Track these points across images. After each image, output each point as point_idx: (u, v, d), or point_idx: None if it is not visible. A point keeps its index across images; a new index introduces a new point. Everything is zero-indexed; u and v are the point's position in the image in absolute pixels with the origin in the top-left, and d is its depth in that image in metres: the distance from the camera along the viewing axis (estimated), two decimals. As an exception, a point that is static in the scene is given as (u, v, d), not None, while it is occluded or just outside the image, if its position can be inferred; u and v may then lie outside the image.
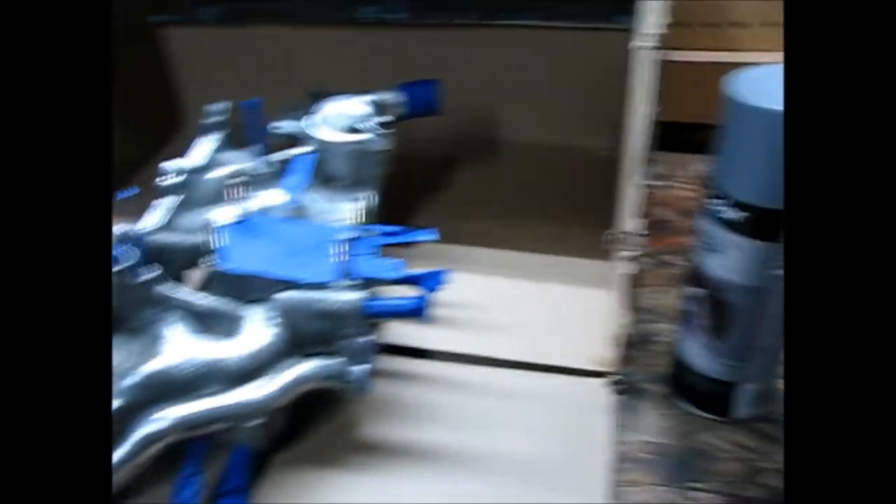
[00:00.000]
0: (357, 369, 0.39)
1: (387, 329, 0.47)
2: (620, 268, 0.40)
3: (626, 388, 0.45)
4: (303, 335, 0.39)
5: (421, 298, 0.38)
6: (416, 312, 0.38)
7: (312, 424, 0.43)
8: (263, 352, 0.38)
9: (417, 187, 0.63)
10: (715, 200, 0.36)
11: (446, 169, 0.66)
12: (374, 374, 0.41)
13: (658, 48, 0.33)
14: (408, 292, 0.39)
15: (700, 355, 0.41)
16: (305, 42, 0.64)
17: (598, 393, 0.44)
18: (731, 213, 0.35)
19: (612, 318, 0.43)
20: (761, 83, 0.33)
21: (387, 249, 0.46)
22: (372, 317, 0.38)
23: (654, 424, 0.43)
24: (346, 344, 0.39)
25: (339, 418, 0.43)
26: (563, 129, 0.65)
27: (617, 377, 0.44)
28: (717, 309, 0.38)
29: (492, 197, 0.62)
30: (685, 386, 0.43)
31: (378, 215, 0.55)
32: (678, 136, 0.68)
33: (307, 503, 0.39)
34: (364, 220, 0.47)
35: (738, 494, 0.39)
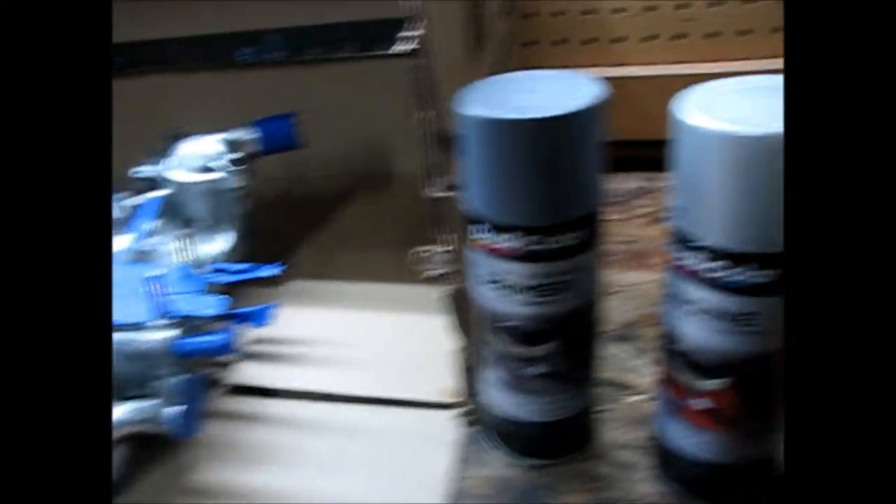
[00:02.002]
0: (172, 411, 0.38)
1: (233, 369, 0.46)
2: (435, 289, 0.39)
3: (473, 420, 0.43)
4: (117, 378, 0.38)
5: (229, 334, 0.37)
6: (224, 349, 0.37)
7: (145, 470, 0.41)
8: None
9: (296, 223, 0.63)
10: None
11: (327, 204, 0.66)
12: (204, 414, 0.40)
13: (420, 60, 0.33)
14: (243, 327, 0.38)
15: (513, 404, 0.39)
16: (183, 86, 0.64)
17: (445, 426, 0.43)
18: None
19: (452, 346, 0.42)
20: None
21: (240, 286, 0.45)
22: (183, 356, 0.37)
23: (500, 457, 0.41)
24: (159, 385, 0.38)
25: (173, 462, 0.42)
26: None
27: (463, 408, 0.43)
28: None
29: (368, 230, 0.61)
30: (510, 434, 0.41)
31: (243, 252, 0.54)
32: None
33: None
34: (193, 258, 0.46)
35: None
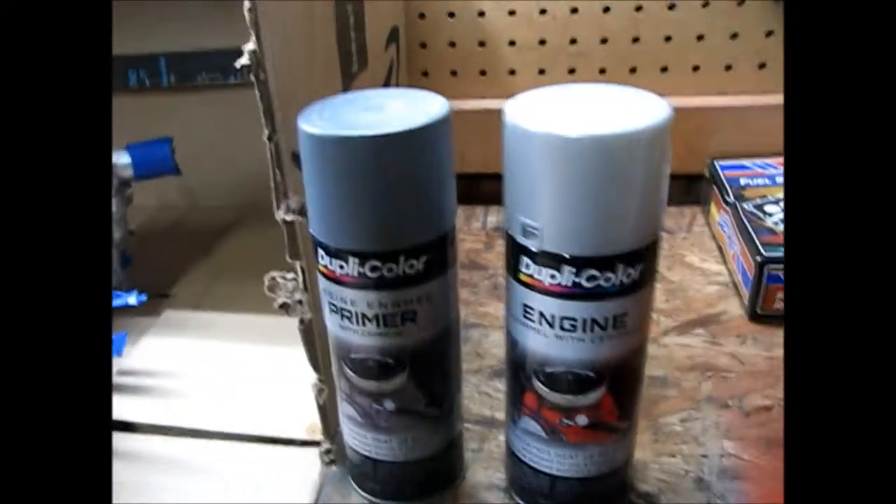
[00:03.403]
0: None
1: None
2: (292, 319, 0.37)
3: (332, 460, 0.41)
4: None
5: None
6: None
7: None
8: None
9: (183, 252, 0.61)
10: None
11: (216, 233, 0.64)
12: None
13: (260, 81, 0.31)
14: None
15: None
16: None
17: (307, 465, 0.41)
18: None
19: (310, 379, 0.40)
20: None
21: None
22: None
23: (359, 500, 0.39)
24: None
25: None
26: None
27: (324, 447, 0.41)
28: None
29: (248, 260, 0.60)
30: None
31: (117, 280, 0.52)
32: (469, 188, 0.67)
33: None
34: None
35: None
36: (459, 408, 0.38)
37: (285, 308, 0.36)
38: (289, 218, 0.34)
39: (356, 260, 0.31)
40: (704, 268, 0.57)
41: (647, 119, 0.27)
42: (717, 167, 0.61)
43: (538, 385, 0.33)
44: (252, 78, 0.31)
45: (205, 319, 0.52)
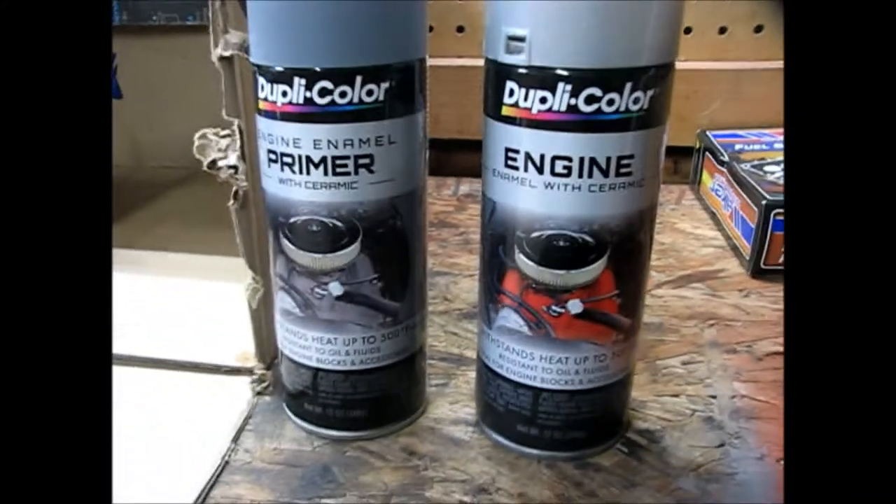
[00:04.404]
0: None
1: None
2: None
3: (267, 388, 0.34)
4: None
5: None
6: None
7: None
8: None
9: (123, 203, 0.55)
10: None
11: (159, 188, 0.58)
12: None
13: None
14: None
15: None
16: None
17: (237, 393, 0.34)
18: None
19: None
20: None
21: None
22: None
23: (295, 429, 0.32)
24: None
25: None
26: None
27: (259, 372, 0.34)
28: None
29: (190, 208, 0.54)
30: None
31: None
32: (441, 160, 0.62)
33: None
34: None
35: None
36: (423, 316, 0.31)
37: (215, 167, 0.29)
38: (227, 53, 0.28)
39: (302, 81, 0.25)
40: (698, 233, 0.52)
41: None
42: (710, 136, 0.57)
43: (522, 259, 0.26)
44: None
45: (138, 257, 0.46)
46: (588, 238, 0.25)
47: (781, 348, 0.38)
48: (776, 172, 0.48)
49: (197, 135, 0.29)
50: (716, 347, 0.38)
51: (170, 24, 0.57)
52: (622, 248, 0.26)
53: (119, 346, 0.36)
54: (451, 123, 0.60)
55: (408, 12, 0.26)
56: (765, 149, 0.53)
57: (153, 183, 0.59)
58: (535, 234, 0.26)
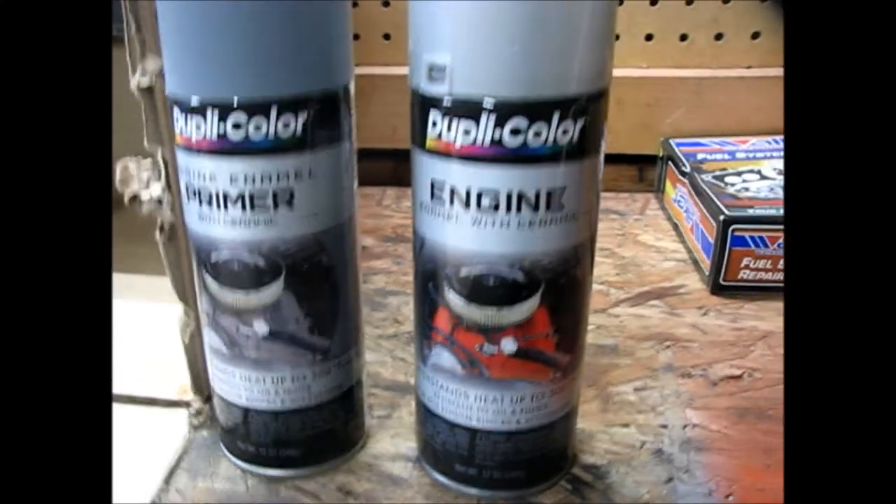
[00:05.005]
0: None
1: None
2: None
3: (205, 422, 0.32)
4: None
5: None
6: None
7: None
8: None
9: None
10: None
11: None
12: None
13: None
14: None
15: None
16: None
17: (174, 428, 0.32)
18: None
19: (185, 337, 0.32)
20: None
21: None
22: None
23: (229, 466, 0.31)
24: None
25: None
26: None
27: (196, 406, 0.32)
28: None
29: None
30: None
31: None
32: (401, 170, 0.60)
33: None
34: None
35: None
36: (359, 350, 0.30)
37: (136, 202, 0.28)
38: (144, 83, 0.27)
39: (215, 113, 0.24)
40: (660, 245, 0.51)
41: None
42: (672, 144, 0.56)
43: (451, 297, 0.25)
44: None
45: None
46: (519, 276, 0.24)
47: (737, 371, 0.37)
48: (736, 184, 0.48)
49: (118, 165, 0.28)
50: (670, 371, 0.37)
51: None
52: (557, 285, 0.25)
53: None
54: (409, 133, 0.58)
55: (327, 36, 0.25)
56: (727, 158, 0.52)
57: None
58: (464, 271, 0.25)
